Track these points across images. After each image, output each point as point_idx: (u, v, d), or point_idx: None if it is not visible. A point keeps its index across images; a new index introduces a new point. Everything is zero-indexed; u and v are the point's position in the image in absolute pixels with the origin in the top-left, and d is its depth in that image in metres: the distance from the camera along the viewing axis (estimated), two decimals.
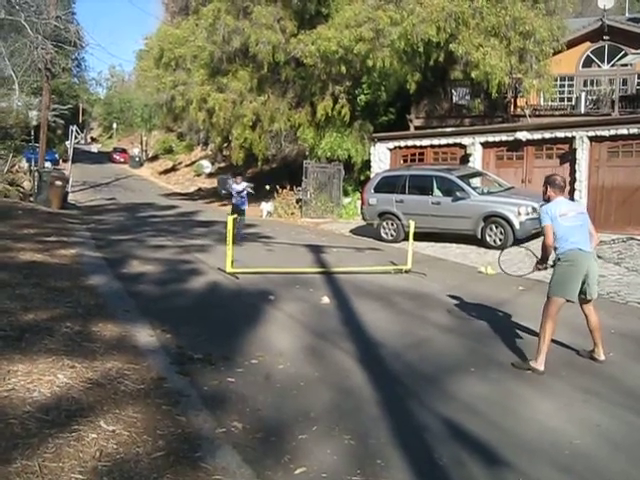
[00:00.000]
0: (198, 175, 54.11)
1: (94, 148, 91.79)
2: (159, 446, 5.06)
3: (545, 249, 8.48)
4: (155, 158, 72.30)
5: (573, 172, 20.24)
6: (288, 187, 30.00)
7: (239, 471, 4.93)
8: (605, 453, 5.58)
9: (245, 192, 20.10)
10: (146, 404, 5.86)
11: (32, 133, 35.37)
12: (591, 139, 20.00)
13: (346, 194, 29.73)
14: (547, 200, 8.76)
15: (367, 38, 24.95)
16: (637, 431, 6.05)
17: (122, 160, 74.75)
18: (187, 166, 60.04)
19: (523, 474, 5.13)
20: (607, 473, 5.20)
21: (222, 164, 51.69)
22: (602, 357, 8.02)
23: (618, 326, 9.88)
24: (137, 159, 72.69)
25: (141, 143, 79.83)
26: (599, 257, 15.12)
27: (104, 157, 79.02)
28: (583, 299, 8.19)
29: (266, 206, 30.59)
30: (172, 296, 11.30)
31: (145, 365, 6.99)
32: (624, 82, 30.03)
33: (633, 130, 19.13)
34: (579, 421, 6.24)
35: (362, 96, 29.58)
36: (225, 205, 35.53)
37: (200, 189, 47.32)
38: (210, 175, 51.97)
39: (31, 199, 26.56)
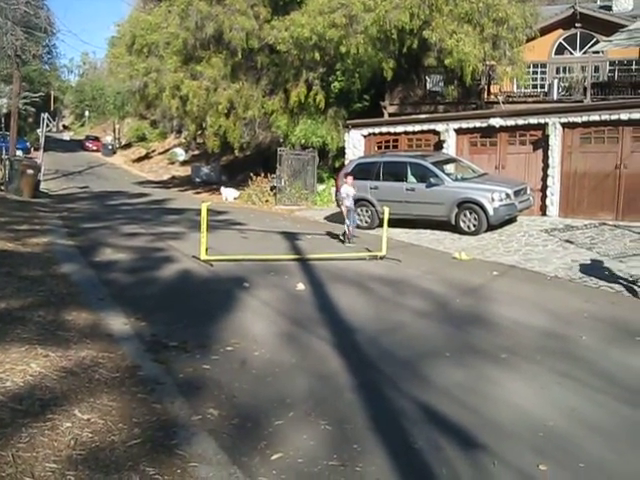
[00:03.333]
0: (172, 163, 53.84)
1: (66, 136, 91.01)
2: (135, 434, 5.05)
3: None
4: (128, 146, 71.80)
5: (546, 158, 20.33)
6: (262, 174, 29.94)
7: (215, 458, 4.92)
8: (579, 435, 5.63)
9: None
10: (121, 392, 5.84)
11: (2, 121, 35.00)
12: (564, 125, 20.09)
13: (320, 181, 29.72)
14: None
15: (340, 24, 24.89)
16: (610, 412, 6.11)
17: (95, 148, 74.15)
18: (161, 154, 59.67)
19: (498, 456, 5.16)
20: (581, 454, 5.25)
21: (196, 152, 51.46)
22: None
23: (591, 310, 9.98)
24: (110, 147, 72.14)
25: (114, 131, 79.26)
26: (571, 242, 15.29)
27: (76, 145, 78.37)
28: None
29: (226, 191, 30.62)
30: (146, 284, 11.24)
31: (120, 353, 6.97)
32: (596, 69, 30.24)
33: (605, 116, 19.23)
34: (553, 404, 6.29)
35: (336, 83, 29.55)
36: (198, 193, 35.44)
37: (174, 177, 47.11)
38: (184, 163, 51.74)
39: (2, 188, 26.26)
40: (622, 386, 6.79)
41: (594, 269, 12.99)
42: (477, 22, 24.67)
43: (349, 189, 17.71)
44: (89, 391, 5.73)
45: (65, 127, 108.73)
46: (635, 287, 11.48)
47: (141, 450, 4.80)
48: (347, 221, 17.25)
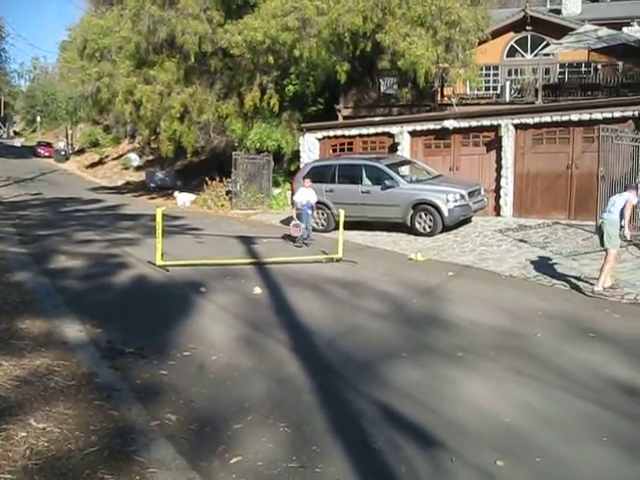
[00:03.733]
0: (126, 168, 53.26)
1: (17, 142, 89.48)
2: (92, 442, 5.00)
3: None
4: (81, 151, 70.86)
5: (499, 159, 20.56)
6: (218, 179, 29.78)
7: (174, 463, 4.91)
8: (534, 430, 5.72)
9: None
10: (77, 400, 5.78)
11: None
12: (516, 127, 20.33)
13: (276, 185, 29.66)
14: None
15: (293, 28, 24.89)
16: (564, 407, 6.22)
17: (47, 154, 72.99)
18: (114, 159, 58.99)
19: (456, 454, 5.22)
20: (537, 449, 5.32)
21: (150, 157, 50.97)
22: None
23: (545, 308, 10.12)
24: (63, 153, 71.10)
25: (66, 136, 78.20)
26: (525, 242, 15.48)
27: (28, 151, 77.06)
28: None
29: (181, 196, 30.49)
30: (101, 290, 11.13)
31: (75, 361, 6.90)
32: (547, 71, 30.64)
33: (556, 118, 19.51)
34: (509, 400, 6.38)
35: (290, 86, 29.51)
36: (153, 198, 35.16)
37: (128, 182, 46.61)
38: (138, 168, 51.20)
39: None
40: (575, 381, 6.91)
41: (548, 268, 13.18)
42: (430, 25, 24.83)
43: (306, 192, 17.81)
44: (44, 400, 5.66)
45: (16, 133, 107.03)
46: (579, 284, 11.73)
47: (98, 457, 4.76)
48: (297, 221, 17.73)
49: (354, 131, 24.09)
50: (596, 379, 6.98)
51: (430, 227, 17.86)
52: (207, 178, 30.16)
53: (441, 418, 5.97)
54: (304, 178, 18.79)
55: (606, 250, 11.34)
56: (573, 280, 12.15)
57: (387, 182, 18.61)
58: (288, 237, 17.96)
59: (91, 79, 32.96)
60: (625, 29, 30.89)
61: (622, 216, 11.31)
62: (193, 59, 28.66)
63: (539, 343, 8.22)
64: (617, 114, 18.29)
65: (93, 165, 60.89)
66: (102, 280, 11.92)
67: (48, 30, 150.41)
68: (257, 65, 27.92)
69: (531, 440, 5.50)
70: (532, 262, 13.75)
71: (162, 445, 5.22)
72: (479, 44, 26.84)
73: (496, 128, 20.62)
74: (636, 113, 17.97)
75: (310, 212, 18.01)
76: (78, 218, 23.25)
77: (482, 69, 29.85)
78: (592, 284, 11.52)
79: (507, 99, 29.00)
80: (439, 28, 24.65)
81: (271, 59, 26.58)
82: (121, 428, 5.33)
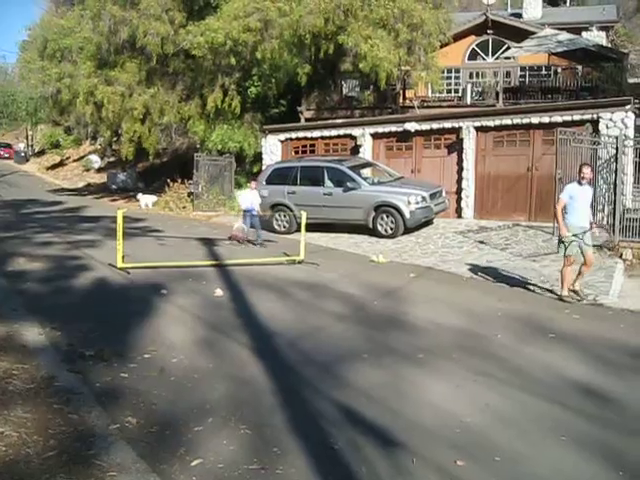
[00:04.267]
0: (87, 170, 52.76)
1: None
2: (51, 445, 4.97)
3: None
4: (42, 153, 70.05)
5: (460, 161, 20.73)
6: (179, 181, 29.64)
7: (134, 466, 4.88)
8: (494, 429, 5.79)
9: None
10: (36, 404, 5.73)
11: None
12: (477, 129, 20.51)
13: (238, 187, 29.58)
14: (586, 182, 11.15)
15: (255, 29, 24.86)
16: (524, 407, 6.29)
17: (6, 155, 72.10)
18: (75, 161, 58.38)
19: (417, 454, 5.25)
20: (496, 449, 5.38)
21: (112, 158, 50.57)
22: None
23: (505, 309, 10.22)
24: (22, 154, 70.32)
25: (27, 138, 77.27)
26: (485, 243, 15.62)
27: None
28: None
29: (144, 197, 30.35)
30: (62, 293, 11.02)
31: (34, 364, 6.84)
32: (507, 74, 30.99)
33: (516, 120, 19.71)
34: (469, 400, 6.44)
35: (253, 88, 29.49)
36: (115, 200, 34.89)
37: (89, 184, 46.17)
38: (99, 170, 50.78)
39: None
40: (534, 381, 7.00)
41: (508, 269, 13.30)
42: (392, 27, 24.94)
43: (250, 195, 18.04)
44: (2, 403, 5.61)
45: None
46: (539, 285, 11.87)
47: (58, 461, 4.73)
48: (239, 224, 18.17)
49: (316, 133, 24.13)
50: (555, 379, 7.06)
51: (392, 229, 17.92)
52: (169, 180, 30.01)
53: (402, 419, 6.00)
54: (251, 180, 18.93)
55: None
56: (533, 281, 12.27)
57: (349, 184, 18.65)
58: (233, 239, 17.98)
59: (51, 80, 32.57)
60: (584, 34, 31.46)
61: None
62: (155, 60, 28.48)
63: (499, 344, 8.30)
64: (577, 117, 18.54)
65: (54, 167, 60.22)
66: (62, 283, 11.81)
67: (7, 29, 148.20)
68: (219, 66, 27.81)
69: (491, 440, 5.55)
70: (492, 264, 13.87)
71: (122, 448, 5.18)
72: (441, 47, 27.06)
73: (457, 130, 20.78)
74: (595, 116, 18.23)
75: (255, 214, 18.17)
76: (38, 220, 23.00)
77: (444, 72, 30.06)
78: (549, 288, 11.65)
79: (468, 102, 29.27)
80: (401, 30, 24.78)
81: (233, 60, 26.50)
82: (80, 432, 5.29)
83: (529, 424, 5.90)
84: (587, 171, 11.05)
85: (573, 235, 10.87)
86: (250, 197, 18.32)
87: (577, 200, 10.98)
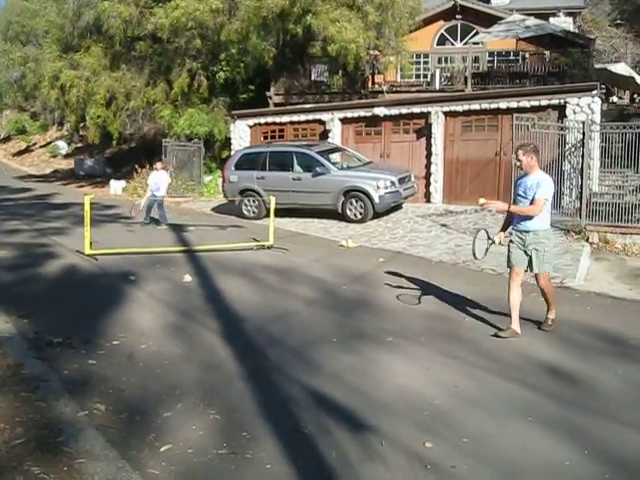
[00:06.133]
0: (54, 156, 52.24)
1: None
2: (18, 434, 4.95)
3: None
4: (7, 139, 69.19)
5: (429, 146, 20.79)
6: (148, 166, 29.43)
7: (103, 453, 4.88)
8: (462, 410, 5.83)
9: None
10: (3, 392, 5.71)
11: None
12: (446, 114, 20.58)
13: (208, 172, 29.48)
14: (524, 170, 8.20)
15: (218, 10, 24.73)
16: (491, 389, 6.35)
17: None
18: (42, 147, 57.77)
19: (386, 436, 5.28)
20: (464, 430, 5.43)
21: (79, 144, 50.14)
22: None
23: (474, 292, 10.27)
24: None
25: None
26: (453, 228, 15.69)
27: None
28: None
29: (115, 183, 30.24)
30: (29, 281, 10.94)
31: (1, 352, 6.81)
32: (476, 59, 31.08)
33: (484, 105, 19.80)
34: (438, 383, 6.48)
35: (221, 73, 29.35)
36: (82, 187, 34.60)
37: (57, 170, 45.75)
38: (67, 156, 50.31)
39: None
40: (502, 363, 7.06)
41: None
42: (360, 8, 24.90)
43: (157, 175, 18.70)
44: None
45: None
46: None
47: (25, 450, 4.71)
48: (138, 202, 18.92)
49: (285, 118, 24.08)
50: (523, 361, 7.12)
51: (361, 214, 17.93)
52: (137, 166, 29.80)
53: (371, 402, 6.03)
54: (157, 161, 19.55)
55: None
56: (502, 265, 12.33)
57: (318, 169, 18.62)
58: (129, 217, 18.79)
59: (15, 63, 32.21)
60: (552, 19, 31.63)
61: None
62: (120, 44, 28.22)
63: (468, 327, 8.36)
64: (544, 102, 18.66)
65: (20, 153, 59.57)
66: (29, 270, 11.73)
67: None
68: (186, 50, 27.68)
69: (459, 421, 5.60)
70: (461, 248, 13.94)
71: (91, 435, 5.17)
72: (410, 32, 27.11)
73: (426, 115, 20.84)
74: (562, 101, 18.35)
75: (158, 194, 18.65)
76: (5, 207, 22.82)
77: (413, 57, 30.17)
78: None
79: (437, 87, 29.33)
80: (370, 12, 24.69)
81: (199, 42, 26.37)
82: (48, 419, 5.28)
83: (497, 406, 5.95)
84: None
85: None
86: (154, 178, 18.71)
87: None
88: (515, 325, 7.97)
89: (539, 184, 7.86)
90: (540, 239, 7.96)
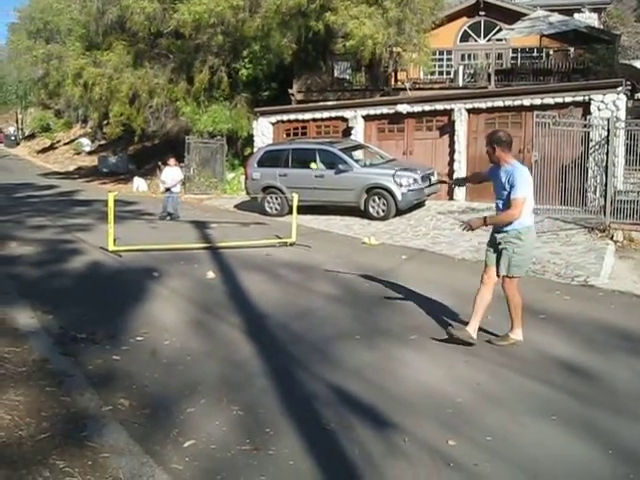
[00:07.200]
0: (78, 153, 52.58)
1: None
2: (43, 428, 4.98)
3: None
4: (32, 137, 69.77)
5: (452, 143, 20.76)
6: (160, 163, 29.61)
7: (127, 447, 4.90)
8: (484, 408, 5.81)
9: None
10: (28, 386, 5.75)
11: None
12: (469, 111, 20.52)
13: (231, 169, 29.55)
14: (496, 164, 7.45)
15: (241, 7, 24.76)
16: (514, 387, 6.32)
17: None
18: (66, 144, 58.15)
19: (409, 434, 5.27)
20: (487, 427, 5.41)
21: (102, 141, 50.40)
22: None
23: (497, 290, 10.19)
24: (13, 138, 70.20)
25: (17, 121, 76.93)
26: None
27: None
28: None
29: (138, 180, 30.43)
30: (53, 277, 11.03)
31: (26, 347, 6.85)
32: (499, 56, 30.90)
33: (508, 102, 19.73)
34: (460, 381, 6.46)
35: (244, 70, 29.41)
36: (105, 184, 34.79)
37: (80, 167, 46.03)
38: (90, 153, 50.61)
39: None
40: (525, 362, 7.01)
41: None
42: (380, 4, 24.81)
43: (171, 171, 19.09)
44: None
45: None
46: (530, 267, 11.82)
47: (50, 444, 4.74)
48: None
49: (308, 115, 24.09)
50: (546, 360, 7.08)
51: (384, 211, 17.93)
52: (160, 163, 29.94)
53: (394, 399, 6.02)
54: (171, 157, 19.85)
55: None
56: None
57: (341, 166, 18.62)
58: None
59: (38, 60, 32.40)
60: (576, 15, 31.37)
61: None
62: (142, 41, 28.32)
63: (490, 324, 8.32)
64: (568, 99, 18.59)
65: (44, 150, 60.02)
66: (54, 266, 11.83)
67: None
68: (208, 47, 27.72)
69: (482, 419, 5.58)
70: (484, 245, 13.86)
71: (115, 430, 5.20)
72: (433, 28, 26.98)
73: (449, 112, 20.79)
74: (586, 98, 18.23)
75: (174, 190, 19.30)
76: (31, 204, 23.01)
77: (435, 53, 30.06)
78: (541, 269, 11.64)
79: (460, 84, 29.24)
80: (390, 8, 24.58)
81: (220, 39, 26.41)
82: (73, 414, 5.31)
83: (520, 404, 5.92)
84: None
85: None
86: (170, 174, 19.21)
87: None
88: (470, 329, 7.46)
89: (514, 179, 7.11)
90: (509, 238, 7.33)
